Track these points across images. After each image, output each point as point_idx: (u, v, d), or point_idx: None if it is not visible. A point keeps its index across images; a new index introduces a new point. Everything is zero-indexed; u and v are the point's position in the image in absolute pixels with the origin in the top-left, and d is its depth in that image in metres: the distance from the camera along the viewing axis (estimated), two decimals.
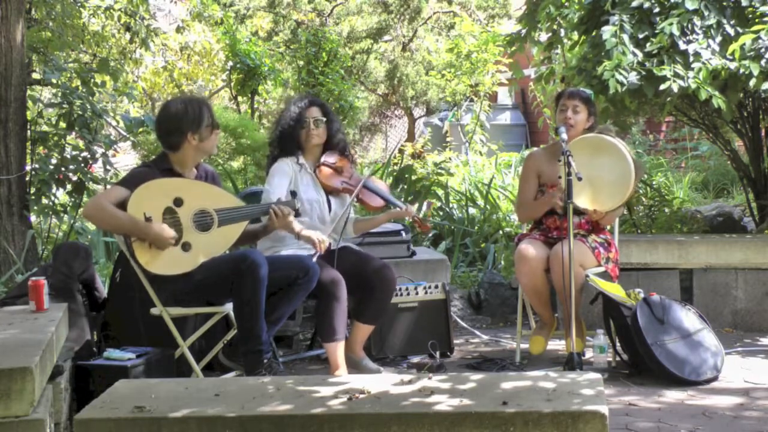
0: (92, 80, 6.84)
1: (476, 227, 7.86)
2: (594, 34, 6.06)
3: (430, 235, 7.88)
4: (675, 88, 5.53)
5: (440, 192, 8.57)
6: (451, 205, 8.46)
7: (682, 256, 6.10)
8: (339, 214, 5.09)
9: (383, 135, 19.22)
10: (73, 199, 6.71)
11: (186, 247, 4.43)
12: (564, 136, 5.00)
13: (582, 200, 5.03)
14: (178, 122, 4.57)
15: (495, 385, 3.43)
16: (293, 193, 4.74)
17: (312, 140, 5.10)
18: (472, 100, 14.27)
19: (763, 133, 6.91)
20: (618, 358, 5.13)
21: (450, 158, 11.11)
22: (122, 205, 4.35)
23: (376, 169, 8.90)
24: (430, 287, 5.54)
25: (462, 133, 13.53)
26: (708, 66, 5.59)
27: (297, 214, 4.69)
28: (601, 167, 5.02)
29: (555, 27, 6.82)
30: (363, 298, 5.01)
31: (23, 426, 3.36)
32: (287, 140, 5.09)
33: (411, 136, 16.72)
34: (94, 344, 4.82)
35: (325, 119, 5.12)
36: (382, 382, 3.53)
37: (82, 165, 6.66)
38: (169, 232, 4.37)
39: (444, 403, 3.19)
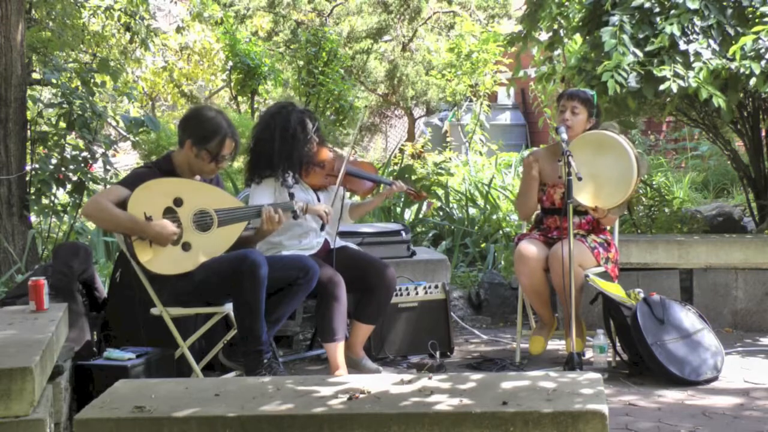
0: (92, 80, 6.84)
1: (476, 227, 7.86)
2: (595, 35, 6.06)
3: (430, 235, 7.88)
4: (675, 88, 5.53)
5: (440, 192, 8.57)
6: (451, 205, 8.46)
7: (682, 256, 6.10)
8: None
9: (383, 135, 19.22)
10: (73, 199, 6.70)
11: (186, 247, 4.43)
12: (564, 136, 5.00)
13: (583, 197, 5.03)
14: (189, 124, 4.59)
15: (495, 385, 3.43)
16: (291, 195, 4.73)
17: None
18: (471, 100, 14.28)
19: (763, 133, 6.91)
20: (618, 358, 5.13)
21: (450, 158, 11.12)
22: (122, 204, 4.34)
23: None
24: (430, 287, 5.54)
25: (462, 133, 13.54)
26: (708, 66, 5.59)
27: (295, 216, 4.67)
28: (604, 164, 5.02)
29: (555, 26, 6.82)
30: (363, 298, 5.00)
31: (23, 426, 3.36)
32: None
33: (411, 136, 16.72)
34: (94, 344, 4.82)
35: None
36: (382, 382, 3.53)
37: (82, 165, 6.66)
38: (171, 227, 4.37)
39: (444, 403, 3.19)
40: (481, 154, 12.45)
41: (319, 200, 5.04)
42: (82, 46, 10.21)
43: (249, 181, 5.03)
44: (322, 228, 4.99)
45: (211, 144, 4.51)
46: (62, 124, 6.71)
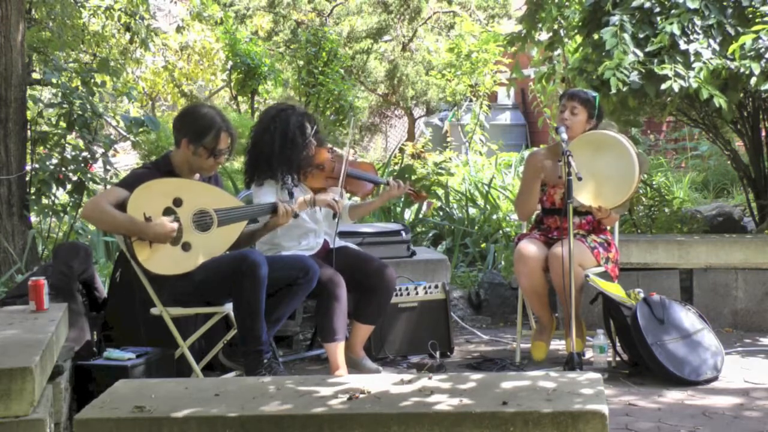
0: (92, 80, 6.84)
1: (476, 227, 7.86)
2: (596, 37, 6.06)
3: (430, 235, 7.87)
4: (676, 87, 5.53)
5: (440, 192, 8.57)
6: (451, 205, 8.46)
7: (682, 256, 6.10)
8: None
9: (383, 135, 19.22)
10: (73, 199, 6.70)
11: (186, 247, 4.43)
12: (564, 136, 5.00)
13: (585, 197, 5.03)
14: (183, 122, 4.58)
15: (495, 385, 3.43)
16: (291, 194, 4.72)
17: None
18: (471, 101, 14.28)
19: (763, 133, 6.91)
20: (618, 358, 5.13)
21: (450, 158, 11.11)
22: (122, 205, 4.34)
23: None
24: (430, 287, 5.54)
25: (462, 133, 13.54)
26: (709, 66, 5.59)
27: (295, 215, 4.67)
28: (604, 163, 5.02)
29: (556, 27, 6.82)
30: (363, 298, 5.00)
31: (23, 426, 3.36)
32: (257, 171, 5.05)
33: (411, 136, 16.72)
34: (94, 344, 4.82)
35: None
36: (382, 382, 3.53)
37: (82, 165, 6.66)
38: (170, 225, 4.35)
39: (444, 403, 3.19)
40: (481, 154, 12.45)
41: None
42: (82, 46, 10.22)
43: (249, 182, 5.03)
44: (334, 216, 4.98)
45: (206, 139, 4.51)
46: (62, 124, 6.71)
